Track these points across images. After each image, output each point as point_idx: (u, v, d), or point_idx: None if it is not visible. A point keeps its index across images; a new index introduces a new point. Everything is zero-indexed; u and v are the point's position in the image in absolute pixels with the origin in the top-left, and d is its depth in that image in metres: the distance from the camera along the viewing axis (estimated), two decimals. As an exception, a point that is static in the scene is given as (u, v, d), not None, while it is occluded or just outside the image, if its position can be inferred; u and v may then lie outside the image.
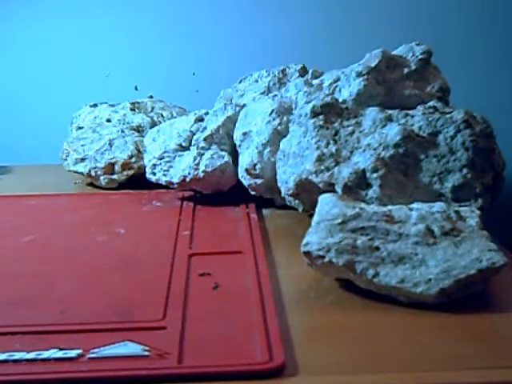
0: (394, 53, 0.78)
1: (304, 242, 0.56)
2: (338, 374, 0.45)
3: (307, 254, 0.56)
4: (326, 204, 0.60)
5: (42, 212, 0.82)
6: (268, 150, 0.77)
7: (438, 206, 0.61)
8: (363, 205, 0.61)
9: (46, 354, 0.46)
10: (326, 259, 0.55)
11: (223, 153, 0.83)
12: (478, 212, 0.61)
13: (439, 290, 0.52)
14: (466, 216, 0.60)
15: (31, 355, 0.46)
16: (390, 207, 0.60)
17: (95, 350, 0.47)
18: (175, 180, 0.81)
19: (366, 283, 0.55)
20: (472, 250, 0.55)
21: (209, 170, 0.80)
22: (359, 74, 0.74)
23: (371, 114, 0.71)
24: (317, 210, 0.60)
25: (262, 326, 0.50)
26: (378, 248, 0.55)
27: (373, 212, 0.58)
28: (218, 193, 0.83)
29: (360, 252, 0.55)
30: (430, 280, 0.53)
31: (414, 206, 0.61)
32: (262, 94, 0.89)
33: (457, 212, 0.60)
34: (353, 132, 0.70)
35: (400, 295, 0.54)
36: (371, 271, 0.54)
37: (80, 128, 1.02)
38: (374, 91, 0.74)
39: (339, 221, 0.57)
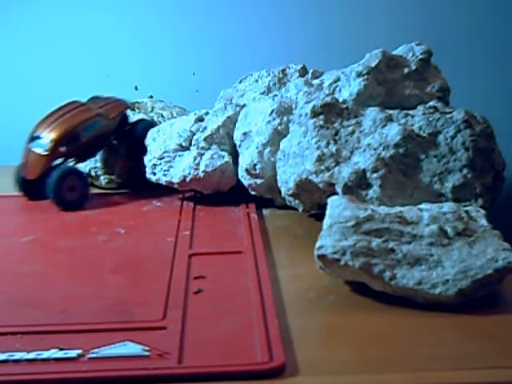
0: (394, 53, 0.78)
1: (318, 245, 0.56)
2: (339, 374, 0.45)
3: (322, 257, 0.55)
4: (337, 206, 0.60)
5: (42, 212, 0.82)
6: (268, 149, 0.77)
7: (448, 206, 0.61)
8: (373, 206, 0.61)
9: (45, 354, 0.46)
10: (342, 262, 0.55)
11: (223, 153, 0.83)
12: (483, 211, 0.61)
13: (457, 291, 0.53)
14: (475, 216, 0.60)
15: (31, 355, 0.46)
16: (399, 208, 0.60)
17: (95, 350, 0.47)
18: (175, 180, 0.81)
19: (382, 285, 0.55)
20: (486, 250, 0.55)
21: (209, 169, 0.80)
22: (359, 74, 0.74)
23: (371, 113, 0.71)
24: (327, 212, 0.60)
25: (262, 326, 0.50)
26: (393, 250, 0.55)
27: (385, 214, 0.58)
28: (218, 193, 0.83)
29: (376, 254, 0.55)
30: (447, 281, 0.53)
31: (423, 206, 0.61)
32: (262, 93, 0.89)
33: (467, 212, 0.60)
34: (353, 132, 0.70)
35: (417, 297, 0.54)
36: (388, 273, 0.54)
37: (80, 128, 1.02)
38: (374, 91, 0.74)
39: (352, 223, 0.57)
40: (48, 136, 0.82)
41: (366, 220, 0.57)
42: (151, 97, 1.09)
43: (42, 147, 0.82)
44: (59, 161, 0.83)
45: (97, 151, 0.89)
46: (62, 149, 0.82)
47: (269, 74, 0.91)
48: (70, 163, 0.84)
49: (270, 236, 0.72)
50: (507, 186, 0.71)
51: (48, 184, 0.80)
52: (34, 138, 0.84)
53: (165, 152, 0.84)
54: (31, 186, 0.85)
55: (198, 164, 0.81)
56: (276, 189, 0.76)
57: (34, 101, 1.13)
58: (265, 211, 0.80)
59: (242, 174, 0.80)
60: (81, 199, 0.82)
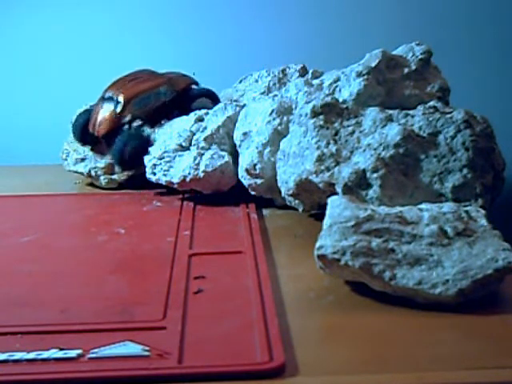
0: (394, 53, 0.78)
1: (317, 245, 0.56)
2: (339, 374, 0.45)
3: (322, 257, 0.55)
4: (337, 206, 0.60)
5: (42, 212, 0.82)
6: (268, 149, 0.77)
7: (448, 206, 0.61)
8: (373, 206, 0.61)
9: (45, 354, 0.46)
10: (342, 262, 0.55)
11: (223, 153, 0.83)
12: (483, 211, 0.61)
13: (457, 291, 0.52)
14: (475, 216, 0.60)
15: (31, 355, 0.46)
16: (399, 208, 0.60)
17: (95, 350, 0.47)
18: (175, 180, 0.81)
19: (382, 285, 0.54)
20: (486, 250, 0.55)
21: (209, 169, 0.80)
22: (359, 74, 0.74)
23: (371, 113, 0.71)
24: (327, 212, 0.60)
25: (262, 326, 0.50)
26: (393, 250, 0.55)
27: (385, 214, 0.58)
28: (218, 193, 0.83)
29: (376, 254, 0.55)
30: (447, 281, 0.53)
31: (423, 206, 0.61)
32: (262, 94, 0.89)
33: (467, 212, 0.60)
34: (353, 132, 0.70)
35: (417, 297, 0.54)
36: (388, 273, 0.54)
37: (80, 128, 1.01)
38: (374, 91, 0.74)
39: (352, 223, 0.57)
40: (120, 97, 0.88)
41: (365, 220, 0.57)
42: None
43: (114, 107, 0.87)
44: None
45: (161, 120, 0.91)
46: (133, 110, 0.87)
47: (269, 74, 0.91)
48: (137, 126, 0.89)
49: (270, 236, 0.72)
50: (507, 186, 0.71)
51: (116, 144, 0.87)
52: (106, 99, 0.89)
53: (165, 152, 0.84)
54: (94, 141, 0.91)
55: (198, 164, 0.81)
56: (276, 189, 0.76)
57: (34, 101, 1.13)
58: (265, 211, 0.80)
59: (242, 174, 0.80)
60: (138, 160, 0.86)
